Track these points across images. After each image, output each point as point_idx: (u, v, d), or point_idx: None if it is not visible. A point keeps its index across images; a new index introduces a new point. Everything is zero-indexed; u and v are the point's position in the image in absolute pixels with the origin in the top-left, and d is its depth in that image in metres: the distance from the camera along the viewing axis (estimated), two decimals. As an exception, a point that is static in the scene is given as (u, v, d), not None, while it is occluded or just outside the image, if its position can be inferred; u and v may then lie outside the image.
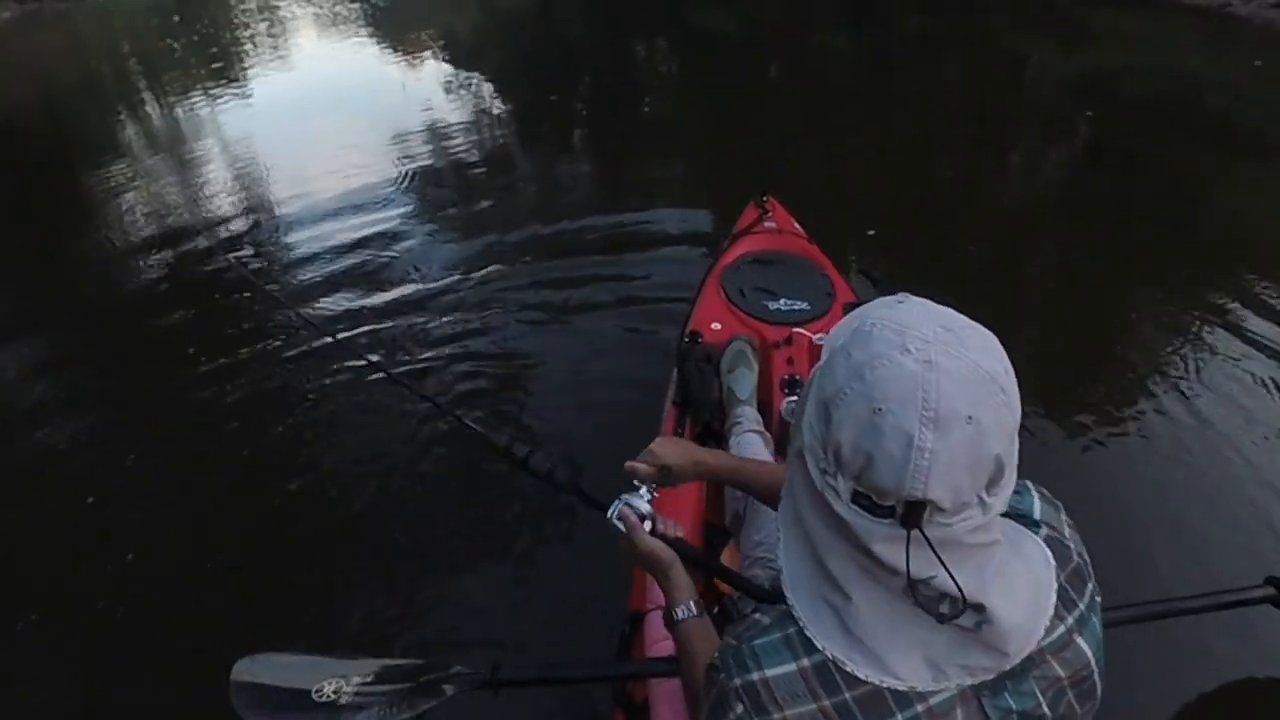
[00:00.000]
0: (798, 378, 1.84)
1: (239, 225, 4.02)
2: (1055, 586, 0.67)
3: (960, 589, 0.58)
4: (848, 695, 0.63)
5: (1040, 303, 3.01)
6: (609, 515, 1.07)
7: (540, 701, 1.64)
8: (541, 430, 2.45)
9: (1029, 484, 0.76)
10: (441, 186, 4.33)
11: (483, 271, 3.34)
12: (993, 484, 0.58)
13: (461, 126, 5.30)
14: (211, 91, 6.54)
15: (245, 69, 7.48)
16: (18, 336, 3.18)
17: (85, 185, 4.90)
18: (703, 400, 1.81)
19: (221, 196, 4.47)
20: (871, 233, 3.37)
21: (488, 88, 6.43)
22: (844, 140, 4.63)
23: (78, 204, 4.68)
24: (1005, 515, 0.65)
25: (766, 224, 2.42)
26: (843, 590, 0.64)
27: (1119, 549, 1.88)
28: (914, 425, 0.55)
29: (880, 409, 0.56)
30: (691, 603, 0.98)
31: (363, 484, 2.29)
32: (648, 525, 1.05)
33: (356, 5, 10.08)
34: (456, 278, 3.32)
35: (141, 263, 3.70)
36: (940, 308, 0.62)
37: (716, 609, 1.32)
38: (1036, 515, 0.73)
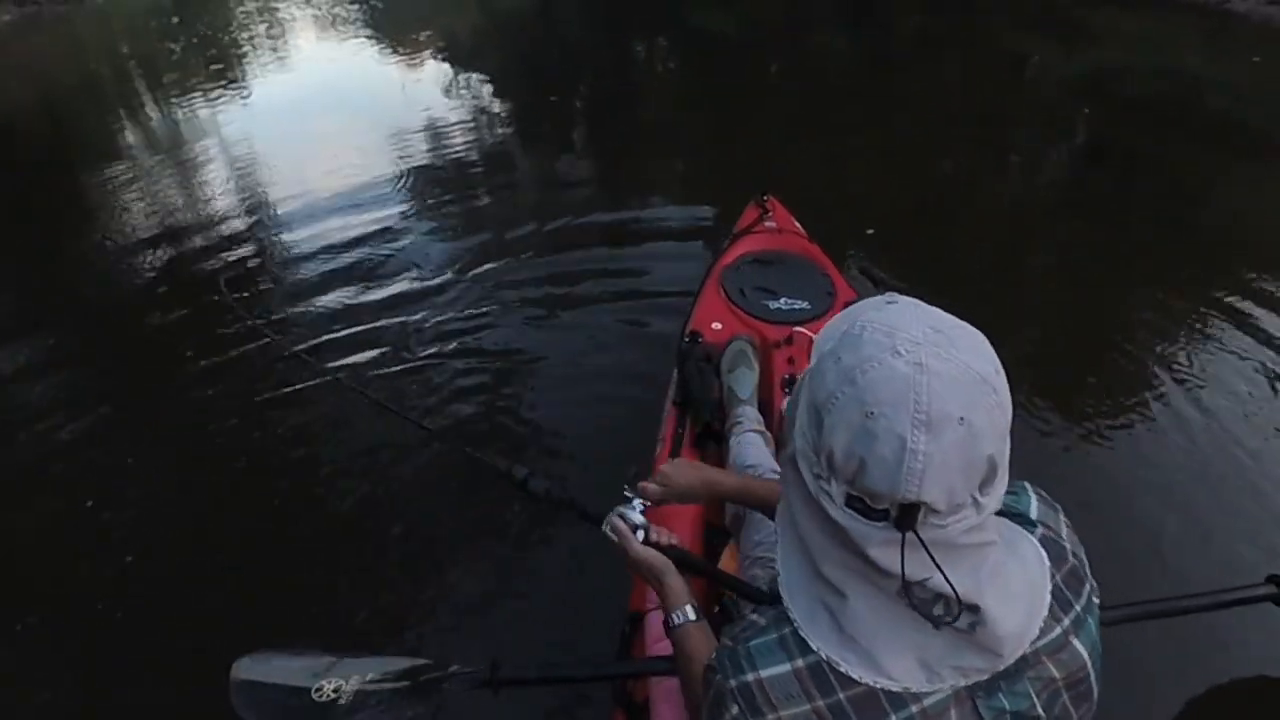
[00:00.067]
0: (798, 377, 1.83)
1: (239, 226, 4.01)
2: (1050, 587, 0.67)
3: (955, 590, 0.58)
4: (842, 696, 0.63)
5: (1040, 302, 3.01)
6: (604, 528, 1.10)
7: (540, 701, 1.64)
8: (542, 426, 2.45)
9: (1026, 485, 0.76)
10: (441, 186, 4.33)
11: (483, 270, 3.34)
12: (986, 484, 0.58)
13: (461, 127, 5.30)
14: (211, 93, 6.54)
15: (244, 70, 7.48)
16: (18, 336, 3.18)
17: (85, 186, 4.90)
18: (703, 400, 1.81)
19: (220, 197, 4.46)
20: (871, 232, 3.37)
21: (487, 88, 6.43)
22: (844, 140, 4.63)
23: (77, 205, 4.68)
24: (1001, 515, 0.65)
25: (767, 223, 2.42)
26: (839, 591, 0.64)
27: (1120, 548, 1.89)
28: (906, 428, 0.55)
29: (872, 412, 0.56)
30: (688, 607, 0.99)
31: (362, 483, 2.29)
32: (640, 535, 1.07)
33: (355, 6, 10.07)
34: (457, 275, 3.32)
35: (141, 263, 3.70)
36: (929, 308, 0.62)
37: (717, 609, 1.32)
38: (1033, 515, 0.73)
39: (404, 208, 4.04)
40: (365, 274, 3.40)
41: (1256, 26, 5.67)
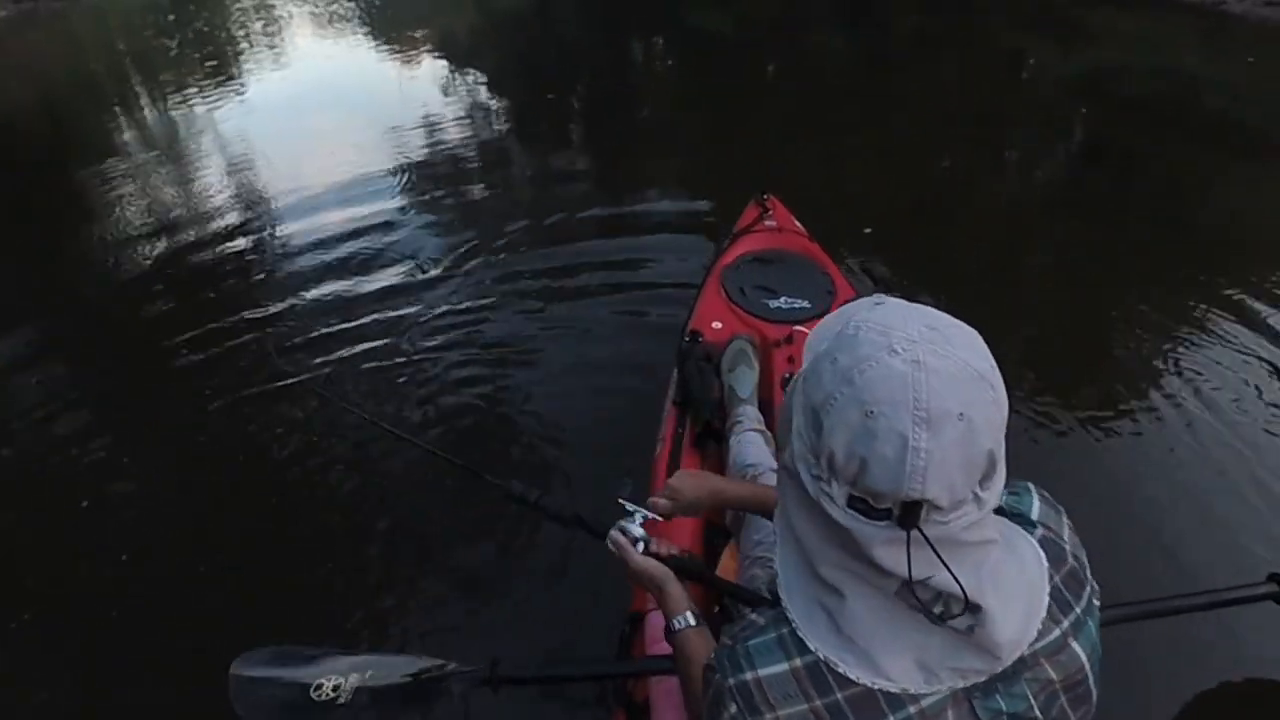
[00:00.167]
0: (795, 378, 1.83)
1: (237, 224, 4.02)
2: (1048, 588, 0.67)
3: (963, 588, 0.58)
4: (839, 696, 0.63)
5: (1039, 301, 3.01)
6: (607, 542, 1.13)
7: (540, 700, 1.64)
8: (543, 422, 2.46)
9: (1030, 486, 0.76)
10: (439, 183, 4.33)
11: (482, 268, 3.35)
12: (986, 479, 0.59)
13: (458, 125, 5.30)
14: (207, 90, 6.54)
15: (241, 67, 7.48)
16: (16, 336, 3.18)
17: (82, 184, 4.89)
18: (703, 400, 1.81)
19: (218, 195, 4.46)
20: (868, 231, 3.38)
21: (485, 87, 6.43)
22: (842, 139, 4.63)
23: (74, 202, 4.68)
24: (1002, 514, 0.65)
25: (767, 222, 2.42)
26: (837, 592, 0.64)
27: (1120, 547, 1.89)
28: (907, 426, 0.55)
29: (872, 412, 0.56)
30: (688, 613, 1.00)
31: (362, 483, 2.29)
32: (640, 547, 1.09)
33: (352, 4, 10.08)
34: (456, 271, 3.33)
35: (139, 262, 3.70)
36: (922, 307, 0.62)
37: (717, 609, 1.32)
38: (1034, 516, 0.73)
39: (401, 204, 4.05)
40: (364, 272, 3.40)
41: (1253, 27, 5.70)
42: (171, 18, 9.99)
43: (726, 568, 1.44)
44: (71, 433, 2.59)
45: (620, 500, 1.15)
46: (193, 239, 3.88)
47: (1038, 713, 0.66)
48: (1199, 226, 3.59)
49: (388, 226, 3.79)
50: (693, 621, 0.99)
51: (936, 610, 0.60)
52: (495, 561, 2.03)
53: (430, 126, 5.26)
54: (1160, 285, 3.05)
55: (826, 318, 0.70)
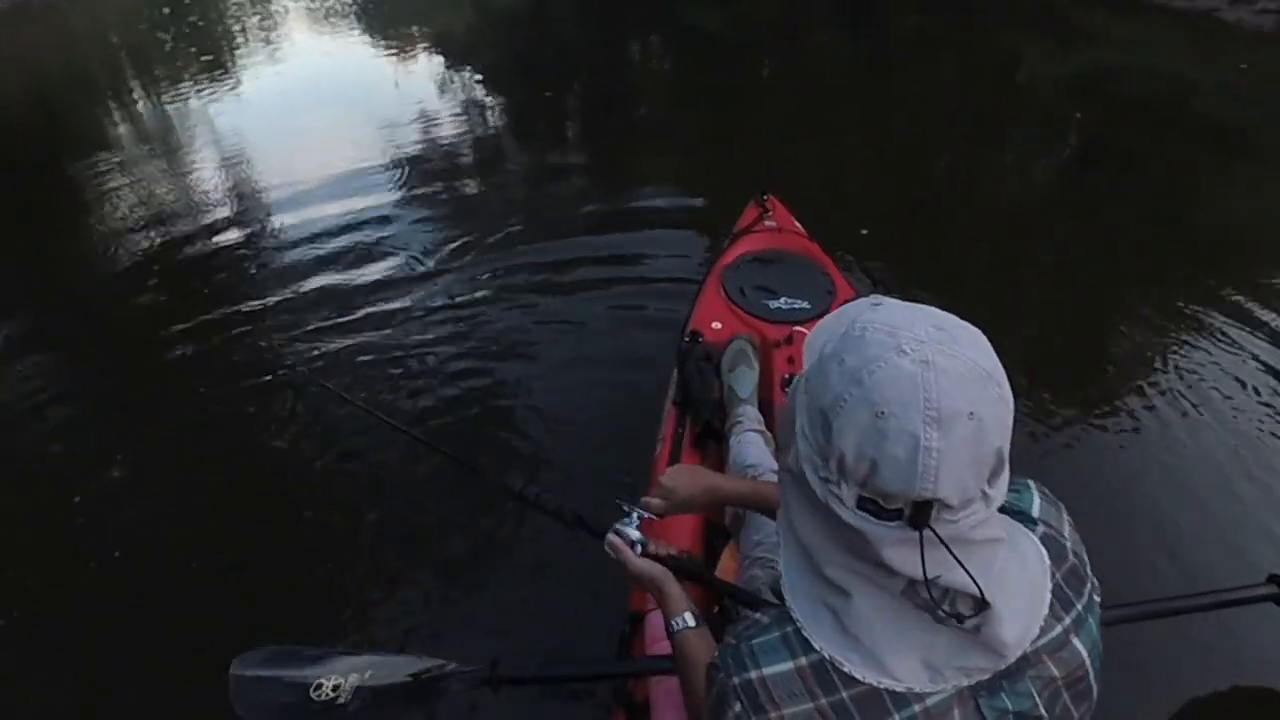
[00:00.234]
0: (796, 378, 1.83)
1: (234, 221, 4.02)
2: (1050, 585, 0.67)
3: (979, 586, 0.59)
4: (844, 695, 0.63)
5: (1038, 302, 3.01)
6: (605, 545, 1.12)
7: (540, 701, 1.64)
8: (541, 418, 2.47)
9: (1030, 483, 0.76)
10: (436, 180, 4.33)
11: (480, 263, 3.36)
12: (993, 476, 0.59)
13: (455, 123, 5.30)
14: (203, 85, 6.53)
15: (236, 62, 7.48)
16: (13, 334, 3.18)
17: (77, 180, 4.89)
18: (703, 400, 1.81)
19: (215, 191, 4.46)
20: (864, 232, 3.38)
21: (481, 84, 6.42)
22: (842, 139, 4.63)
23: (70, 198, 4.67)
24: (1003, 512, 0.65)
25: (767, 223, 2.42)
26: (842, 591, 0.64)
27: (1120, 547, 1.89)
28: (918, 426, 0.55)
29: (883, 413, 0.56)
30: (687, 614, 1.00)
31: (362, 482, 2.29)
32: (639, 549, 1.08)
33: (349, 0, 10.06)
34: (454, 267, 3.34)
35: (136, 257, 3.69)
36: (926, 307, 0.62)
37: (717, 609, 1.32)
38: (1035, 513, 0.73)
39: (399, 201, 4.06)
40: (362, 267, 3.41)
41: (1246, 34, 5.75)
42: (166, 10, 9.97)
43: (726, 568, 1.44)
44: (73, 433, 2.59)
45: (617, 500, 1.15)
46: (188, 234, 3.88)
47: (1042, 710, 0.66)
48: (1197, 227, 3.59)
49: (384, 222, 3.80)
50: (692, 622, 0.99)
51: (944, 608, 0.60)
52: (495, 561, 2.03)
53: (427, 123, 5.26)
54: (1159, 285, 3.05)
55: (825, 318, 0.70)
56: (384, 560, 2.07)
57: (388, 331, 2.95)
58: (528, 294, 3.12)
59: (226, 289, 3.37)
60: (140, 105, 6.59)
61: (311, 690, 1.08)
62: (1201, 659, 1.69)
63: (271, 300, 3.23)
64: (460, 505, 2.17)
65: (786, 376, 1.85)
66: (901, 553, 0.59)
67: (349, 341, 2.88)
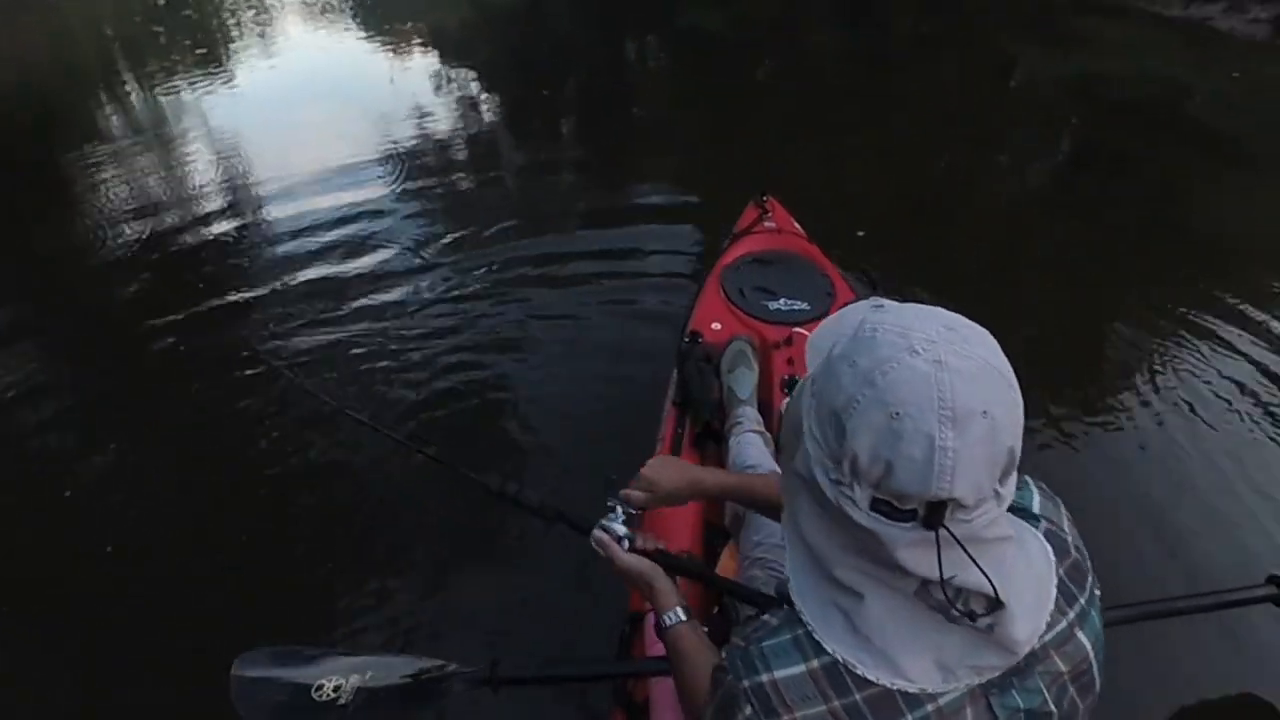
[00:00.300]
0: (798, 378, 1.84)
1: (232, 218, 3.99)
2: (1055, 581, 0.67)
3: (995, 586, 0.59)
4: (858, 696, 0.63)
5: (1038, 302, 3.02)
6: (591, 541, 1.09)
7: (540, 701, 1.64)
8: (539, 413, 2.48)
9: (1028, 479, 0.76)
10: (431, 178, 4.32)
11: (475, 260, 3.36)
12: (1005, 475, 0.59)
13: (449, 120, 5.29)
14: (198, 79, 6.49)
15: (231, 55, 7.45)
16: (15, 335, 3.18)
17: (69, 171, 4.86)
18: (703, 400, 1.81)
19: (212, 188, 4.42)
20: (862, 234, 3.38)
21: (478, 82, 6.39)
22: (842, 140, 4.62)
23: (61, 191, 4.64)
24: (1007, 510, 0.65)
25: (766, 224, 2.42)
26: (854, 593, 0.64)
27: (1120, 548, 1.89)
28: (934, 426, 0.55)
29: (897, 413, 0.56)
30: (678, 608, 0.99)
31: (362, 482, 2.29)
32: (626, 544, 1.06)
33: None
34: (449, 266, 3.35)
35: (136, 258, 3.67)
36: (933, 308, 0.62)
37: (717, 609, 1.32)
38: (1036, 509, 0.73)
39: (393, 197, 4.05)
40: (358, 264, 3.41)
41: (1239, 43, 5.80)
42: (162, 2, 9.94)
43: (726, 568, 1.44)
44: (73, 433, 2.59)
45: (608, 499, 1.12)
46: (183, 230, 3.86)
47: (1052, 706, 0.66)
48: (1193, 231, 3.60)
49: (379, 220, 3.80)
50: (684, 616, 0.98)
51: (958, 609, 0.60)
52: (495, 561, 2.03)
53: (421, 119, 5.25)
54: (1158, 286, 3.06)
55: (826, 321, 0.70)
56: (384, 560, 2.07)
57: (383, 325, 2.96)
58: (524, 289, 3.12)
59: (222, 284, 3.36)
60: (134, 97, 6.56)
61: (313, 691, 1.09)
62: (1201, 659, 1.70)
63: (268, 296, 3.22)
64: (460, 504, 2.17)
65: (786, 378, 1.85)
66: (916, 554, 0.59)
67: (342, 337, 2.89)
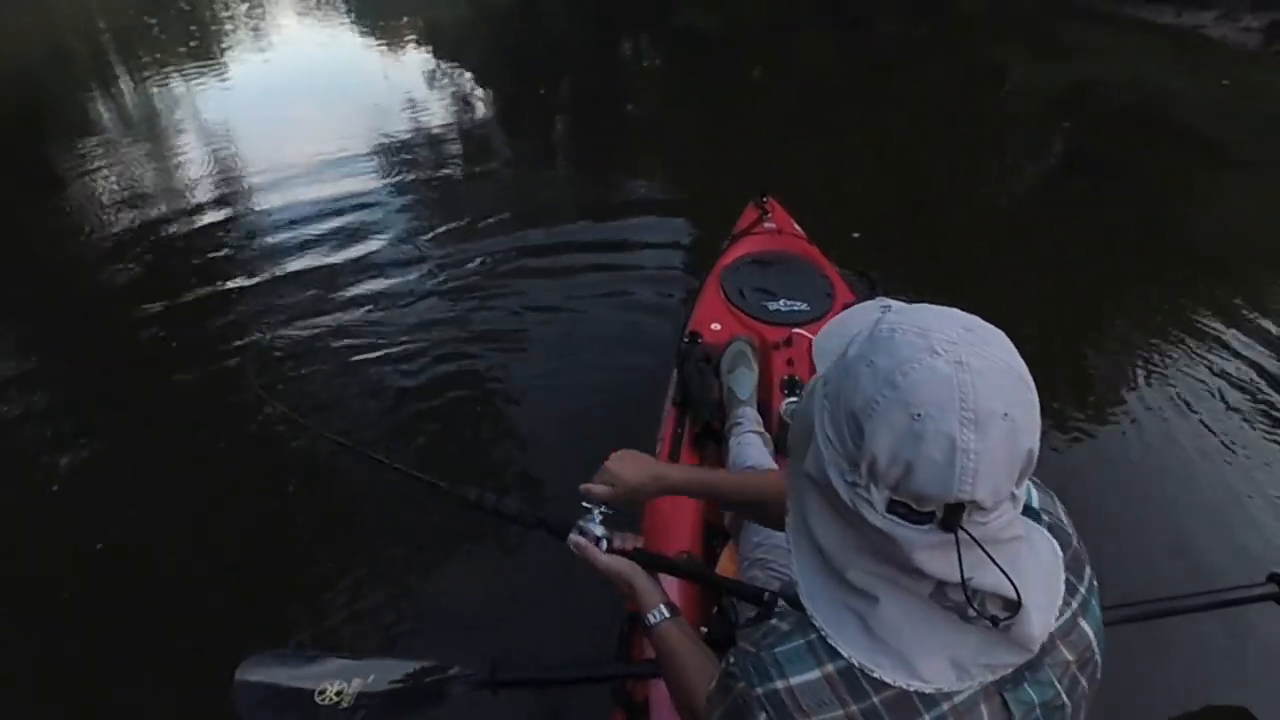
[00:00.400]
0: (798, 378, 1.84)
1: (229, 216, 4.00)
2: (1063, 575, 0.67)
3: (1016, 588, 0.59)
4: (875, 700, 0.63)
5: (1038, 302, 3.02)
6: (569, 544, 1.08)
7: (540, 701, 1.64)
8: (535, 413, 2.49)
9: None
10: (425, 174, 4.33)
11: (471, 261, 3.37)
12: (1022, 477, 0.59)
13: (443, 118, 5.28)
14: (191, 72, 6.48)
15: (224, 49, 7.44)
16: (14, 335, 3.17)
17: (59, 164, 4.85)
18: (703, 400, 1.81)
19: (209, 185, 4.42)
20: (858, 235, 3.38)
21: (472, 80, 6.37)
22: (841, 141, 4.62)
23: (53, 185, 4.61)
24: None
25: (766, 224, 2.42)
26: (868, 596, 0.63)
27: (1120, 548, 1.89)
28: (955, 427, 0.55)
29: (919, 415, 0.56)
30: (662, 606, 0.98)
31: (363, 483, 2.28)
32: (604, 545, 1.05)
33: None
34: (445, 263, 3.36)
35: (135, 258, 3.66)
36: (948, 309, 0.62)
37: (716, 609, 1.32)
38: (1035, 504, 0.73)
39: (388, 193, 4.07)
40: (351, 260, 3.43)
41: (1230, 50, 5.84)
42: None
43: (725, 569, 1.44)
44: (72, 433, 2.58)
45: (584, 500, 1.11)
46: (189, 234, 3.85)
47: (1064, 698, 0.67)
48: (1193, 230, 3.61)
49: (375, 217, 3.80)
50: (668, 614, 0.97)
51: (974, 610, 0.60)
52: (495, 563, 2.03)
53: (416, 116, 5.25)
54: (1155, 286, 3.07)
55: (831, 322, 0.69)
56: (385, 562, 2.07)
57: (379, 324, 2.96)
58: (519, 283, 3.13)
59: (218, 278, 3.37)
60: (125, 90, 6.53)
61: (315, 696, 1.09)
62: (1202, 658, 1.70)
63: (266, 293, 3.23)
64: (461, 509, 2.15)
65: (785, 378, 1.85)
66: (934, 556, 0.59)
67: (337, 334, 2.91)
